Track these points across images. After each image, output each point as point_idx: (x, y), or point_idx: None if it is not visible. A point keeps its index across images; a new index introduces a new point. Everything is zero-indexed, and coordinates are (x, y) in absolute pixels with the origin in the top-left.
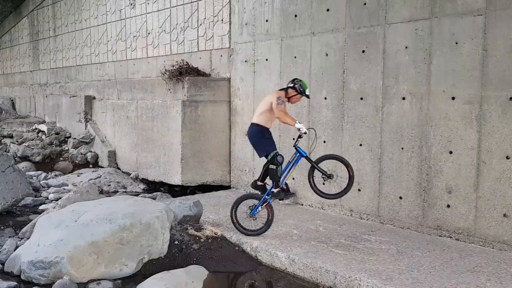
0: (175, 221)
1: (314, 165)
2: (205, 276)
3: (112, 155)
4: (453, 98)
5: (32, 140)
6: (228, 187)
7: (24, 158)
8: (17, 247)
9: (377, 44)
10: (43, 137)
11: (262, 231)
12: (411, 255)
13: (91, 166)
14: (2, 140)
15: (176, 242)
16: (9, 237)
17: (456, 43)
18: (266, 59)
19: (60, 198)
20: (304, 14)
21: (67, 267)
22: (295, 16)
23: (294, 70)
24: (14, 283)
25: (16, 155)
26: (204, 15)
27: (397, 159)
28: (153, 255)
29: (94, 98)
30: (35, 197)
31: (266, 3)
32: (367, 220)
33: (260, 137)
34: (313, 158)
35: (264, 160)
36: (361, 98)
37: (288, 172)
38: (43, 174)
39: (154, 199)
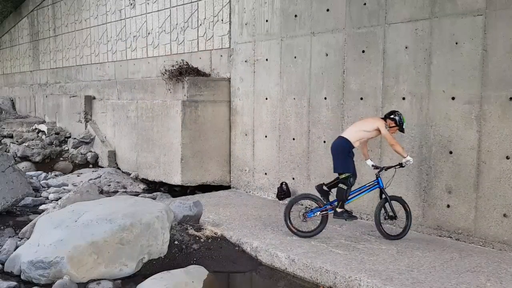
0: (175, 221)
1: (389, 200)
2: (205, 276)
3: (112, 155)
4: (453, 98)
5: (32, 140)
6: (228, 187)
7: (24, 158)
8: (17, 247)
9: (377, 44)
10: (43, 137)
11: (309, 235)
12: (411, 255)
13: (91, 166)
14: (2, 140)
15: (176, 242)
16: (9, 237)
17: (456, 43)
18: (266, 59)
19: (60, 198)
20: (304, 14)
21: (67, 267)
22: (295, 16)
23: (294, 70)
24: (14, 283)
25: (16, 155)
26: (204, 15)
27: (397, 159)
28: (153, 255)
29: (94, 98)
30: (35, 197)
31: (266, 3)
32: (367, 220)
33: (346, 154)
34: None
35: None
36: (361, 98)
37: (357, 196)
38: (43, 174)
39: (154, 199)
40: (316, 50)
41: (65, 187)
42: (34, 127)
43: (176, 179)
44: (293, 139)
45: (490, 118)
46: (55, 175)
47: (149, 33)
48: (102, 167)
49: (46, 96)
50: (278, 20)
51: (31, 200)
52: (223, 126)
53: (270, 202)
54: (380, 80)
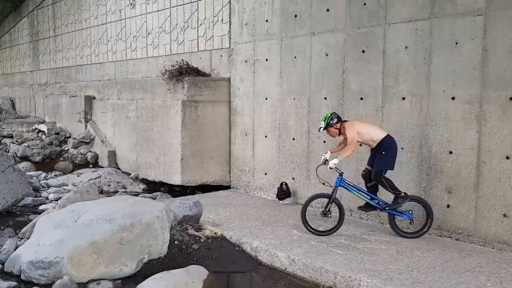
0: (175, 221)
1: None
2: (205, 276)
3: (112, 155)
4: (453, 98)
5: (32, 140)
6: (228, 187)
7: (24, 158)
8: (17, 247)
9: (377, 44)
10: (43, 137)
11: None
12: (411, 255)
13: (91, 166)
14: (2, 140)
15: (176, 242)
16: (9, 237)
17: (456, 43)
18: (266, 59)
19: (60, 198)
20: (304, 14)
21: (67, 267)
22: (295, 16)
23: (294, 70)
24: (14, 283)
25: (16, 155)
26: (204, 15)
27: (397, 159)
28: (153, 255)
29: (94, 98)
30: (35, 197)
31: (266, 3)
32: (367, 220)
33: None
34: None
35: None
36: (361, 98)
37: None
38: (43, 174)
39: (154, 199)
40: (316, 50)
41: (65, 187)
42: (34, 127)
43: (176, 179)
44: (293, 139)
45: (490, 118)
46: (55, 175)
47: (149, 33)
48: (102, 167)
49: (46, 96)
50: (278, 20)
51: (31, 200)
52: (223, 126)
53: (270, 202)
54: (380, 80)
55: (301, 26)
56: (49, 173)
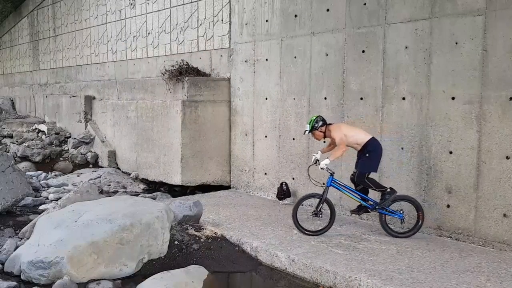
0: (175, 221)
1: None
2: (205, 276)
3: (112, 155)
4: (453, 98)
5: (32, 140)
6: (228, 187)
7: (24, 158)
8: (17, 247)
9: (377, 44)
10: (43, 137)
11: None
12: (411, 255)
13: (91, 166)
14: (2, 140)
15: (176, 242)
16: (9, 237)
17: (456, 43)
18: (266, 59)
19: (60, 198)
20: (304, 14)
21: (67, 267)
22: (295, 16)
23: (294, 70)
24: (14, 283)
25: (16, 155)
26: (204, 15)
27: (397, 159)
28: (153, 255)
29: (94, 98)
30: (35, 197)
31: (266, 3)
32: (367, 220)
33: None
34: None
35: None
36: (361, 98)
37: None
38: (43, 174)
39: (154, 199)
40: (316, 50)
41: (65, 187)
42: (34, 127)
43: (176, 179)
44: (293, 139)
45: (490, 118)
46: (55, 175)
47: (149, 33)
48: (102, 167)
49: (46, 96)
50: (278, 20)
51: (31, 200)
52: (223, 126)
53: (270, 202)
54: (380, 80)
55: (301, 26)
56: (49, 173)
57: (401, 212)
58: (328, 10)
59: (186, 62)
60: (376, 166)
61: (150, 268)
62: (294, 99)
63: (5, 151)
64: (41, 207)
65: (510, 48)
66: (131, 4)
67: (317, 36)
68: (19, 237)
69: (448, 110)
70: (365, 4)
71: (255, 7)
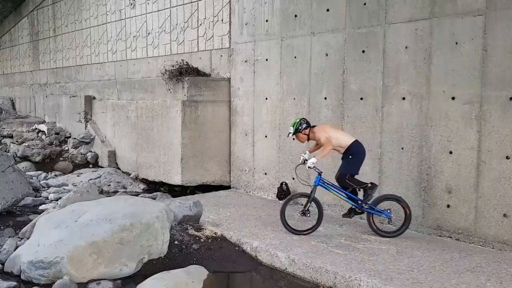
0: (175, 221)
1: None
2: (205, 276)
3: (112, 155)
4: (453, 98)
5: (32, 140)
6: (228, 187)
7: (24, 158)
8: (17, 247)
9: (377, 44)
10: (43, 137)
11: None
12: (411, 255)
13: (91, 166)
14: (2, 140)
15: (176, 242)
16: (9, 237)
17: (456, 43)
18: (266, 59)
19: (60, 198)
20: (304, 14)
21: (67, 267)
22: (295, 16)
23: (294, 70)
24: (14, 283)
25: (16, 155)
26: (204, 15)
27: (397, 159)
28: (153, 255)
29: (94, 98)
30: (35, 197)
31: (266, 3)
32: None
33: None
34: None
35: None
36: (361, 98)
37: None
38: (43, 174)
39: (154, 199)
40: (316, 50)
41: (65, 187)
42: (34, 127)
43: (176, 179)
44: (293, 139)
45: (490, 118)
46: (55, 175)
47: (149, 33)
48: (102, 167)
49: (46, 96)
50: (278, 20)
51: (31, 200)
52: (223, 126)
53: (270, 202)
54: (380, 80)
55: (301, 26)
56: (49, 173)
57: (388, 211)
58: (328, 10)
59: (186, 62)
60: (357, 169)
61: (150, 268)
62: (294, 99)
63: (5, 151)
64: (41, 207)
65: (510, 48)
66: (131, 4)
67: (317, 36)
68: (19, 237)
69: (448, 110)
70: (365, 4)
71: (255, 7)
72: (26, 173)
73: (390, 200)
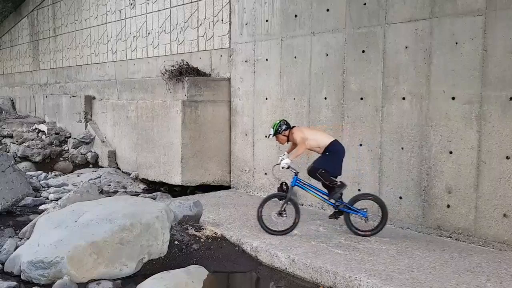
0: (175, 221)
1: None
2: (205, 276)
3: (112, 155)
4: (453, 98)
5: (32, 140)
6: (228, 187)
7: (24, 158)
8: (17, 247)
9: (377, 44)
10: (43, 137)
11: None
12: (411, 255)
13: (91, 166)
14: (2, 140)
15: (176, 242)
16: (9, 237)
17: (456, 43)
18: (266, 59)
19: (60, 198)
20: (304, 14)
21: (67, 267)
22: (295, 16)
23: (294, 70)
24: (14, 283)
25: (16, 155)
26: (204, 15)
27: (397, 159)
28: (153, 255)
29: (94, 98)
30: (35, 197)
31: (266, 3)
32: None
33: None
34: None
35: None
36: (361, 98)
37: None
38: (43, 174)
39: (154, 199)
40: (316, 50)
41: (65, 187)
42: (34, 127)
43: (176, 179)
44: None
45: (490, 118)
46: (55, 175)
47: (149, 33)
48: (102, 167)
49: (46, 96)
50: (278, 20)
51: (31, 200)
52: (223, 126)
53: (270, 202)
54: (380, 80)
55: (301, 26)
56: (49, 173)
57: (365, 210)
58: (328, 10)
59: (186, 62)
60: (334, 168)
61: (150, 268)
62: (294, 99)
63: (5, 151)
64: (41, 207)
65: (510, 48)
66: (131, 4)
67: (317, 36)
68: (19, 237)
69: (448, 110)
70: (365, 4)
71: (255, 7)
72: (26, 173)
73: (366, 199)
